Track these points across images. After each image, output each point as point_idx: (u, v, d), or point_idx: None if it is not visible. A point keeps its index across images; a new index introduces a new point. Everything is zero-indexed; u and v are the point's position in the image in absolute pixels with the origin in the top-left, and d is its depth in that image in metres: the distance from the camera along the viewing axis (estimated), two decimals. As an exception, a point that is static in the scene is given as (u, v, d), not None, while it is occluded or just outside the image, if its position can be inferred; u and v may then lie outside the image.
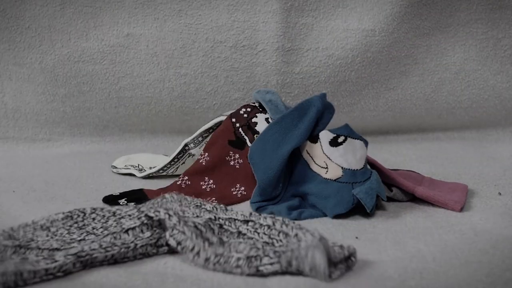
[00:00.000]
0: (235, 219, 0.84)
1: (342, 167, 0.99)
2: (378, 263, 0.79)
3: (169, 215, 0.80)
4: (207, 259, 0.76)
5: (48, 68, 1.39)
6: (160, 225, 0.82)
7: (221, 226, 0.82)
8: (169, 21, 1.39)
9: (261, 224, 0.82)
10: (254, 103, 1.16)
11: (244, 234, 0.81)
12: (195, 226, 0.79)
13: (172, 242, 0.78)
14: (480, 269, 0.77)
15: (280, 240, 0.80)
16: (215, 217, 0.83)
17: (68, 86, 1.41)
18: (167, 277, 0.76)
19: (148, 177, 1.20)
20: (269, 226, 0.82)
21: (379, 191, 0.98)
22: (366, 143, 1.04)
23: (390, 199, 1.04)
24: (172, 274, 0.77)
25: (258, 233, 0.81)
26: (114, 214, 0.87)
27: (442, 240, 0.88)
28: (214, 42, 1.40)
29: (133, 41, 1.39)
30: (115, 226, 0.83)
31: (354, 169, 0.99)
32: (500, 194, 1.10)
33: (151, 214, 0.81)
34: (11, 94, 1.41)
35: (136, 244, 0.79)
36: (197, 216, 0.83)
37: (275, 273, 0.74)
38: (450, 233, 0.91)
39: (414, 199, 1.05)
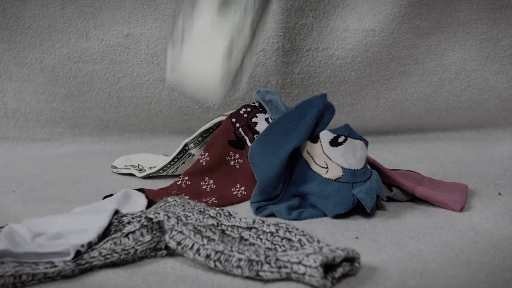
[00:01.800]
0: (238, 226, 0.84)
1: (342, 167, 0.99)
2: (378, 263, 0.79)
3: (168, 217, 0.80)
4: (207, 256, 0.76)
5: (48, 68, 1.39)
6: (160, 228, 0.82)
7: (223, 231, 0.82)
8: (169, 21, 1.39)
9: (264, 231, 0.82)
10: (254, 103, 1.16)
11: (246, 240, 0.81)
12: (195, 227, 0.79)
13: (172, 244, 0.78)
14: (480, 269, 0.77)
15: (283, 245, 0.80)
16: (217, 223, 0.83)
17: (68, 86, 1.41)
18: (167, 277, 0.76)
19: (148, 177, 1.20)
20: (272, 233, 0.82)
21: (379, 191, 0.98)
22: (366, 143, 1.04)
23: (390, 199, 1.04)
24: (172, 274, 0.77)
25: (261, 239, 0.81)
26: (116, 211, 0.87)
27: (442, 240, 0.88)
28: (214, 42, 1.40)
29: (133, 41, 1.39)
30: (117, 225, 0.84)
31: (354, 169, 0.99)
32: (500, 194, 1.10)
33: (151, 216, 0.82)
34: (11, 94, 1.41)
35: (136, 250, 0.79)
36: (200, 222, 0.83)
37: (275, 280, 0.74)
38: (450, 233, 0.91)
39: (414, 199, 1.05)
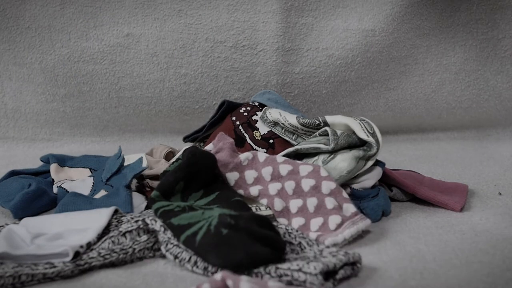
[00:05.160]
0: None
1: (351, 188, 0.98)
2: (379, 263, 0.79)
3: (164, 229, 0.80)
4: (205, 269, 0.76)
5: (48, 68, 1.39)
6: (155, 232, 0.82)
7: None
8: (169, 21, 1.39)
9: None
10: (253, 102, 1.16)
11: None
12: None
13: (169, 257, 0.79)
14: (480, 269, 0.77)
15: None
16: None
17: (68, 86, 1.41)
18: (167, 277, 0.76)
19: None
20: None
21: (385, 208, 0.98)
22: (383, 165, 1.03)
23: (390, 199, 1.04)
24: (172, 274, 0.77)
25: None
26: (116, 211, 0.87)
27: (442, 240, 0.88)
28: (214, 42, 1.40)
29: (133, 41, 1.39)
30: (116, 225, 0.84)
31: (363, 189, 0.99)
32: (500, 194, 1.10)
33: (148, 221, 0.82)
34: (11, 94, 1.41)
35: (134, 249, 0.79)
36: None
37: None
38: (450, 233, 0.91)
39: (414, 199, 1.05)
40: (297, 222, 0.89)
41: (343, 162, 0.95)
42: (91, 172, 1.12)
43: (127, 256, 0.79)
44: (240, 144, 1.09)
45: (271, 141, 1.08)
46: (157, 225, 0.81)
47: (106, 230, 0.83)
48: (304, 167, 0.93)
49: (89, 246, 0.79)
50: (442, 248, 0.84)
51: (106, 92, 1.42)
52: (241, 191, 0.93)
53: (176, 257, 0.78)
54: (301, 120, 1.04)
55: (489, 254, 0.82)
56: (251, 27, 1.40)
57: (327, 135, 0.99)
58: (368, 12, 1.42)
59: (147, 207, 0.97)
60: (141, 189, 1.04)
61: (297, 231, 0.82)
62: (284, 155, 0.99)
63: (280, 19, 1.40)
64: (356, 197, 0.96)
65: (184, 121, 1.46)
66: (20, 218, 0.90)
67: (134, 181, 1.04)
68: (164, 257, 0.81)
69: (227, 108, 1.16)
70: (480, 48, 1.50)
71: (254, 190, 0.93)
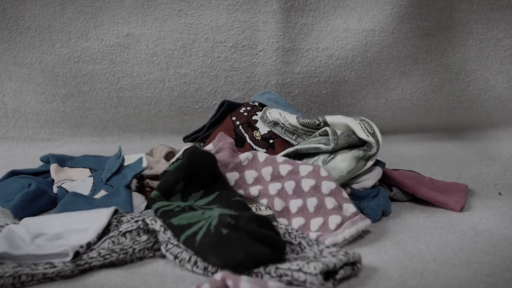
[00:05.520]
0: None
1: (351, 188, 0.98)
2: (379, 263, 0.79)
3: (164, 229, 0.80)
4: (205, 269, 0.76)
5: (48, 68, 1.39)
6: (155, 232, 0.82)
7: None
8: (169, 21, 1.39)
9: None
10: (253, 102, 1.16)
11: None
12: None
13: (169, 257, 0.79)
14: (480, 269, 0.77)
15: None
16: None
17: (68, 86, 1.41)
18: (166, 277, 0.76)
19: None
20: None
21: (385, 208, 0.98)
22: (383, 165, 1.03)
23: (390, 199, 1.04)
24: (172, 274, 0.77)
25: None
26: (116, 211, 0.87)
27: (442, 240, 0.88)
28: (214, 42, 1.40)
29: (133, 41, 1.39)
30: (116, 225, 0.84)
31: (363, 189, 0.99)
32: (500, 194, 1.10)
33: (148, 221, 0.82)
34: (11, 94, 1.41)
35: (134, 249, 0.79)
36: None
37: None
38: (450, 233, 0.91)
39: (414, 199, 1.05)
40: (297, 222, 0.89)
41: (343, 162, 0.95)
42: (91, 172, 1.12)
43: (127, 256, 0.79)
44: (240, 144, 1.09)
45: (271, 141, 1.08)
46: (157, 225, 0.81)
47: (106, 230, 0.83)
48: (304, 167, 0.93)
49: (89, 246, 0.79)
50: (442, 248, 0.84)
51: (106, 92, 1.42)
52: (241, 191, 0.93)
53: (176, 257, 0.78)
54: (301, 120, 1.04)
55: (489, 254, 0.82)
56: (251, 27, 1.40)
57: (327, 135, 0.99)
58: (368, 12, 1.42)
59: (147, 207, 0.97)
60: (141, 189, 1.04)
61: (297, 231, 0.82)
62: (284, 155, 0.99)
63: (280, 19, 1.40)
64: (356, 197, 0.96)
65: (184, 121, 1.46)
66: (20, 218, 0.90)
67: (134, 181, 1.04)
68: (164, 257, 0.81)
69: (227, 108, 1.16)
70: (480, 48, 1.50)
71: (254, 190, 0.93)
